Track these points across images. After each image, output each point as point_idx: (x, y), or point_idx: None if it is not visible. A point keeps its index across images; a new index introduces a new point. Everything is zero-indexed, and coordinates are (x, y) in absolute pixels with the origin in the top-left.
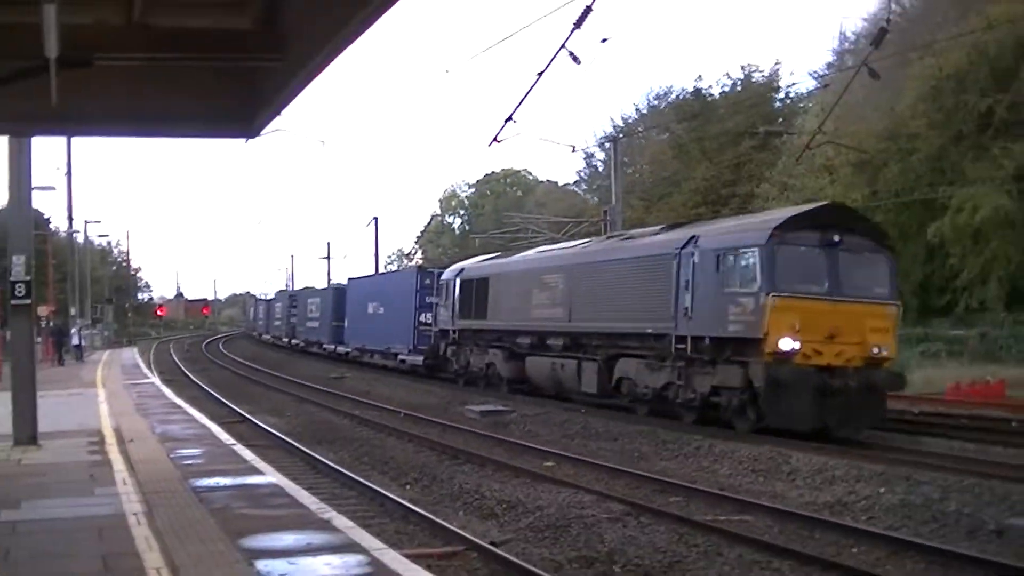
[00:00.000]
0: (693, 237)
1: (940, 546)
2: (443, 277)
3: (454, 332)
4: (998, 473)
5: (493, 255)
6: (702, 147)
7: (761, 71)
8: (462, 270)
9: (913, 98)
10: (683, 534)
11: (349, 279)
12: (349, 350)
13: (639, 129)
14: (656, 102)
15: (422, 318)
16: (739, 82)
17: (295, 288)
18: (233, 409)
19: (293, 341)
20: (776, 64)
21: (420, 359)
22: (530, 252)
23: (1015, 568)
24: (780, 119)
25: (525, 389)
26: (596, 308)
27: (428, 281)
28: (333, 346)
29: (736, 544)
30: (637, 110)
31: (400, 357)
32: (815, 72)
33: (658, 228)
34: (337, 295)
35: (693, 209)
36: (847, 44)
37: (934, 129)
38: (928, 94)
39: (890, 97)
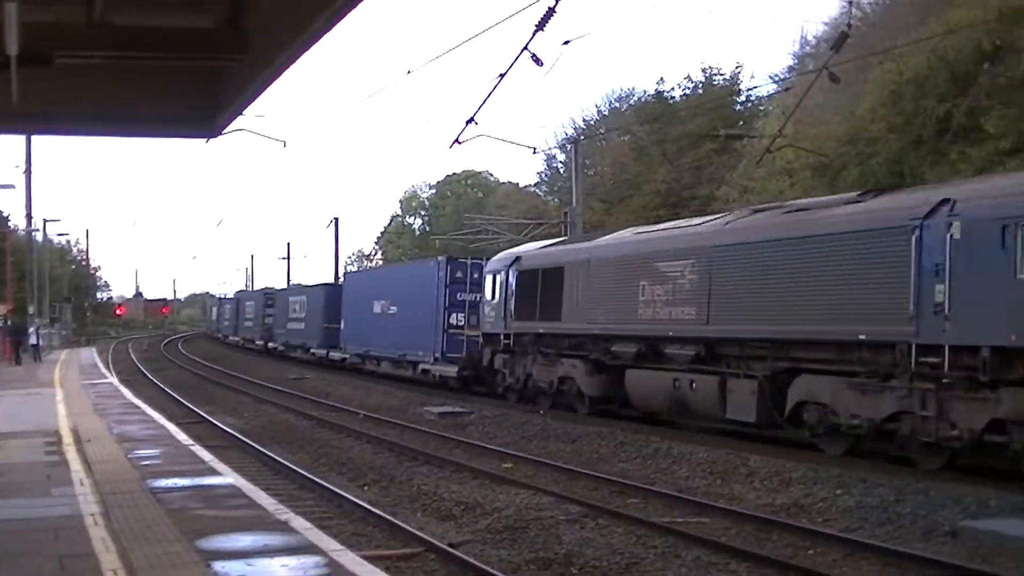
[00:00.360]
0: (945, 201)
1: (895, 548)
2: (488, 268)
3: (506, 337)
4: (952, 476)
5: (558, 240)
6: (663, 149)
7: (722, 74)
8: (518, 258)
9: (873, 102)
10: (641, 536)
11: (346, 274)
12: (346, 356)
13: (600, 131)
14: (617, 104)
15: (452, 319)
16: (700, 85)
17: (254, 288)
18: (191, 410)
19: (270, 344)
20: (737, 67)
21: (452, 370)
22: (625, 233)
23: (969, 569)
24: (741, 122)
25: (616, 410)
26: (756, 305)
27: (460, 274)
28: (324, 351)
29: (693, 545)
30: (598, 112)
31: (422, 367)
32: (776, 75)
33: (853, 195)
34: (331, 293)
35: (653, 211)
36: (808, 48)
37: (893, 133)
38: (888, 99)
39: (850, 101)
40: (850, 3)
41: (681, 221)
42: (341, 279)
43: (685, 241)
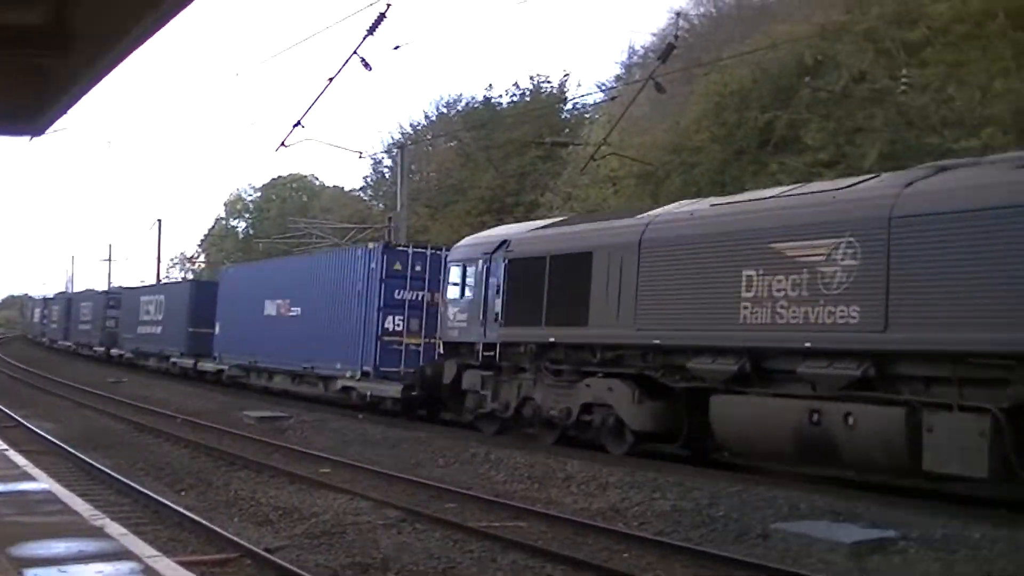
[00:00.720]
0: None
1: (709, 550)
2: (454, 256)
3: (487, 348)
4: (764, 480)
5: (557, 219)
6: (489, 155)
7: (550, 82)
8: (505, 243)
9: (698, 113)
10: (458, 540)
11: (226, 269)
12: (223, 368)
13: (427, 136)
14: (445, 110)
15: (388, 324)
16: (528, 92)
17: (74, 290)
18: (6, 413)
19: (114, 351)
20: (565, 75)
21: (393, 390)
22: (695, 204)
23: (778, 570)
24: (567, 130)
25: (675, 452)
26: (985, 303)
27: (399, 265)
28: (191, 361)
29: (510, 550)
30: (426, 117)
31: (342, 384)
32: (603, 84)
33: None
34: (200, 291)
35: (478, 217)
36: (635, 58)
37: (717, 143)
38: (712, 109)
39: (675, 111)
40: (677, 15)
41: (810, 185)
42: (163, 280)
43: (833, 211)
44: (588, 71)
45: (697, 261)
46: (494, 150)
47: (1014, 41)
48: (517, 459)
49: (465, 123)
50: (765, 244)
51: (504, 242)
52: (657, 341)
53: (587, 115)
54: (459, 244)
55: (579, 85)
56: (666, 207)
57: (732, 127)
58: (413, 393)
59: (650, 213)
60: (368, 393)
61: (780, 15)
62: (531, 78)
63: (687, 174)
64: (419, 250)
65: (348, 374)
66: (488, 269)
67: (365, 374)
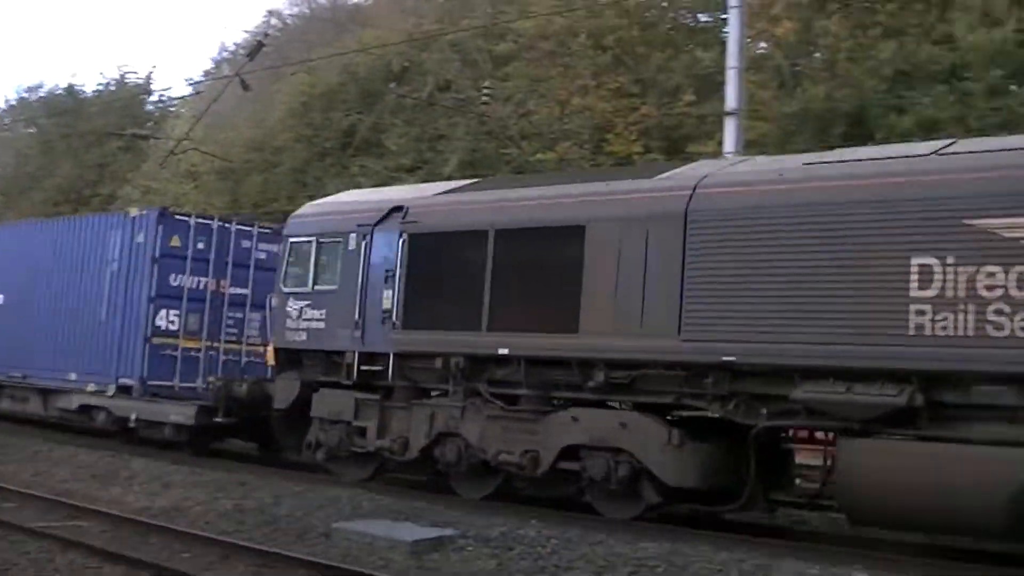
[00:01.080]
0: None
1: (271, 549)
2: (299, 229)
3: (367, 360)
4: (328, 480)
5: (494, 177)
6: (70, 144)
7: (136, 73)
8: (398, 210)
9: (284, 112)
10: (15, 541)
11: None
12: None
13: (5, 121)
14: (27, 95)
15: (161, 321)
16: (113, 82)
17: None
18: None
19: None
20: (152, 68)
21: (186, 414)
22: (782, 161)
23: (339, 568)
24: (151, 122)
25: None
26: None
27: (177, 241)
28: None
29: (68, 550)
30: (6, 102)
31: (80, 402)
32: (192, 79)
33: None
34: None
35: (54, 207)
36: (226, 54)
37: (301, 143)
38: (298, 109)
39: (262, 110)
40: (270, 13)
41: (974, 141)
42: None
43: None
44: (179, 66)
45: (811, 242)
46: (76, 139)
47: (593, 61)
48: (80, 457)
49: (46, 110)
50: (956, 220)
51: (397, 209)
52: (730, 358)
53: (172, 109)
54: (306, 212)
55: (166, 78)
56: (710, 162)
57: (317, 128)
58: (217, 419)
59: (687, 171)
60: (133, 415)
61: (373, 19)
62: (118, 68)
63: (268, 172)
64: (204, 221)
65: (91, 387)
66: (368, 247)
67: (124, 389)
